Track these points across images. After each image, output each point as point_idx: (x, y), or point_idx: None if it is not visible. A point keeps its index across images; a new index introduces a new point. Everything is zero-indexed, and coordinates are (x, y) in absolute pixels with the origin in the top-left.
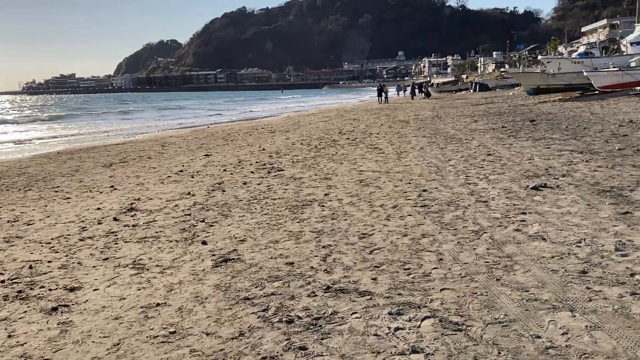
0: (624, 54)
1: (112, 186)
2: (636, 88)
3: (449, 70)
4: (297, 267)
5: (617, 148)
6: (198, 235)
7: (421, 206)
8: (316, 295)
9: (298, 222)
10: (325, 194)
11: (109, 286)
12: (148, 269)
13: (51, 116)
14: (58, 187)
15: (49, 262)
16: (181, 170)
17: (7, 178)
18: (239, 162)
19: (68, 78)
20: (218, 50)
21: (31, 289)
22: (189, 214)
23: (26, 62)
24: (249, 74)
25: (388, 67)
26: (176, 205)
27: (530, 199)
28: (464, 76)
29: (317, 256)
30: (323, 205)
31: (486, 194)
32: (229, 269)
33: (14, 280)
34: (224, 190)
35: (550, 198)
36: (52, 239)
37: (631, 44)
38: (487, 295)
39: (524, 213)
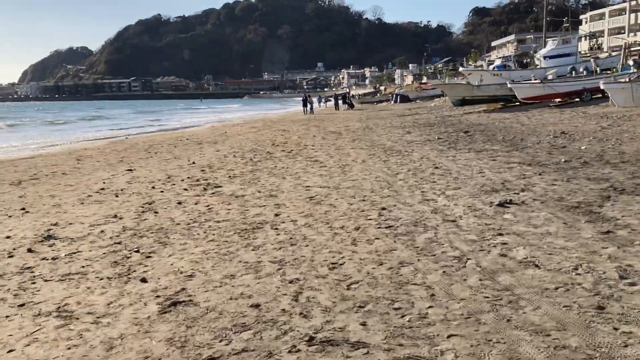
0: (538, 67)
1: (24, 208)
2: (555, 100)
3: (367, 81)
4: (266, 310)
5: (563, 160)
6: (134, 270)
7: (386, 227)
8: (299, 350)
9: (253, 250)
10: (276, 214)
11: (28, 344)
12: (78, 318)
13: None
14: None
15: None
16: (102, 188)
17: None
18: (168, 177)
19: None
20: (132, 57)
21: None
22: (119, 242)
23: None
24: (165, 82)
25: (308, 78)
26: (102, 232)
27: (500, 217)
28: (382, 88)
29: (285, 294)
30: (277, 228)
31: (450, 212)
32: (181, 316)
33: None
34: (156, 212)
35: (522, 216)
36: None
37: (544, 57)
38: (505, 343)
39: (500, 234)
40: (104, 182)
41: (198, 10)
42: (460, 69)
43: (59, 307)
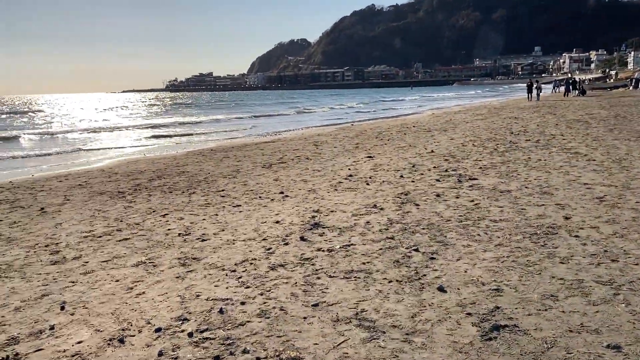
0: None
1: (282, 192)
2: None
3: (592, 66)
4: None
5: None
6: (424, 274)
7: None
8: None
9: (562, 263)
10: (565, 217)
11: None
12: (384, 332)
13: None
14: (223, 190)
15: (242, 303)
16: (350, 175)
17: (167, 177)
18: (413, 166)
19: (206, 76)
20: (346, 48)
21: (231, 353)
22: (391, 237)
23: (170, 62)
24: (375, 71)
25: (524, 63)
26: (368, 223)
27: None
28: (613, 72)
29: None
30: (577, 236)
31: None
32: (514, 348)
33: (204, 334)
34: (417, 205)
35: None
36: (235, 264)
37: None
38: None
39: None
40: (349, 169)
41: None
42: None
43: (357, 314)
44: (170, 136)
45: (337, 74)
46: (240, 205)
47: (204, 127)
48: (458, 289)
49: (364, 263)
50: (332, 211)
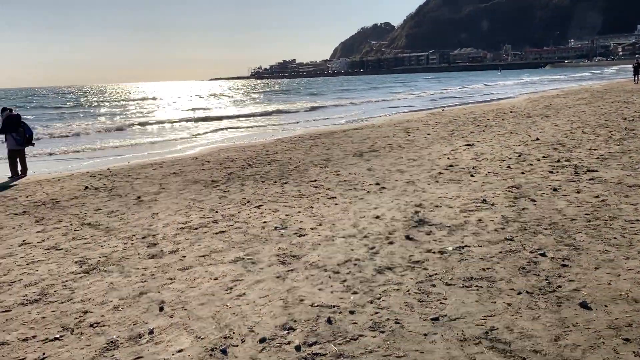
0: None
1: (378, 183)
2: None
3: None
4: None
5: None
6: (558, 286)
7: None
8: None
9: None
10: None
11: None
12: (524, 358)
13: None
14: (315, 180)
15: (351, 312)
16: (451, 165)
17: (258, 166)
18: (519, 155)
19: (289, 63)
20: (431, 31)
21: None
22: (511, 239)
23: (254, 49)
24: (462, 54)
25: (625, 43)
26: (480, 220)
27: None
28: None
29: None
30: None
31: None
32: None
33: (313, 348)
34: (533, 200)
35: None
36: (338, 264)
37: None
38: None
39: None
40: (448, 158)
41: None
42: None
43: (487, 332)
44: (260, 125)
45: (422, 58)
46: (335, 197)
47: (297, 116)
48: (605, 305)
49: (483, 269)
50: (436, 206)
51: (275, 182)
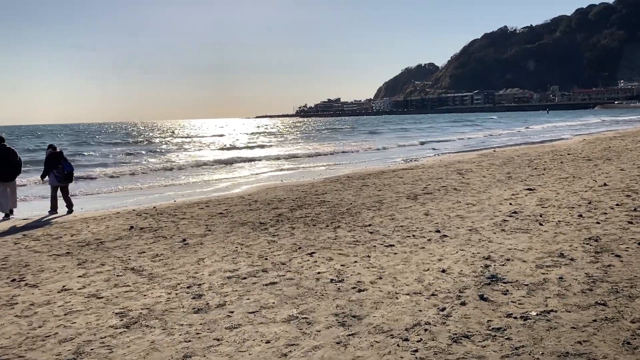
0: None
1: (438, 230)
2: None
3: None
4: None
5: None
6: None
7: None
8: None
9: None
10: None
11: None
12: None
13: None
14: (369, 225)
15: None
16: (514, 212)
17: (308, 207)
18: (589, 202)
19: (334, 102)
20: (475, 71)
21: None
22: (603, 304)
23: (299, 88)
24: (507, 94)
25: None
26: (561, 279)
27: None
28: None
29: None
30: None
31: None
32: None
33: None
34: (618, 256)
35: None
36: (406, 328)
37: None
38: None
39: None
40: (510, 204)
41: (547, 18)
42: None
43: None
44: (304, 163)
45: (466, 98)
46: (393, 245)
47: (348, 156)
48: None
49: (579, 342)
50: (507, 259)
51: (327, 225)
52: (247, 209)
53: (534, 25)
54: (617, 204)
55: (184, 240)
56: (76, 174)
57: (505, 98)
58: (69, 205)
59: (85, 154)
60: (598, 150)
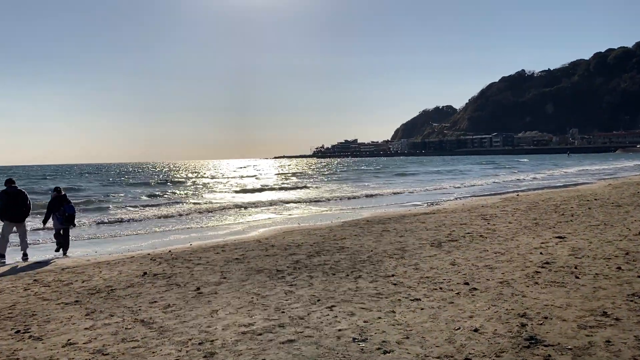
0: None
1: (467, 283)
2: None
3: None
4: None
5: None
6: None
7: None
8: None
9: None
10: None
11: None
12: None
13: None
14: (393, 275)
15: None
16: (547, 263)
17: (327, 253)
18: (626, 253)
19: (351, 143)
20: (494, 114)
21: None
22: None
23: (317, 129)
24: (526, 137)
25: None
26: (609, 342)
27: None
28: None
29: None
30: None
31: None
32: None
33: None
34: None
35: None
36: None
37: None
38: None
39: None
40: (540, 253)
41: (565, 62)
42: None
43: None
44: (324, 203)
45: (485, 140)
46: (419, 300)
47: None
48: None
49: None
50: (545, 317)
51: (347, 275)
52: (263, 254)
53: (552, 69)
54: None
55: (198, 288)
56: (101, 217)
57: (524, 141)
58: (66, 247)
59: (113, 195)
60: (627, 196)
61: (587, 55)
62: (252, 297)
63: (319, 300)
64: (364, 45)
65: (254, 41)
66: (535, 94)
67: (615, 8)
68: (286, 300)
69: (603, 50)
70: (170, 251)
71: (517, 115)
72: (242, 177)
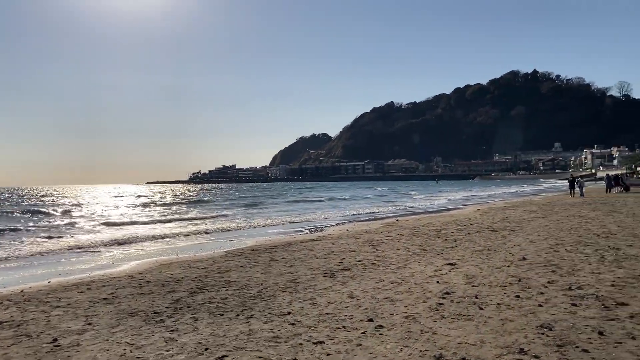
0: None
1: (371, 319)
2: None
3: (615, 162)
4: None
5: None
6: None
7: None
8: None
9: None
10: None
11: None
12: None
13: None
14: (288, 313)
15: None
16: (447, 293)
17: (211, 289)
18: (518, 280)
19: (229, 168)
20: (366, 142)
21: None
22: None
23: (193, 154)
24: (395, 164)
25: (544, 159)
26: None
27: None
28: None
29: None
30: None
31: None
32: None
33: None
34: (585, 350)
35: None
36: None
37: None
38: None
39: None
40: (437, 282)
41: (429, 96)
42: None
43: None
44: (204, 231)
45: (358, 167)
46: (323, 342)
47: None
48: None
49: None
50: (463, 358)
51: (238, 315)
52: (137, 293)
53: (417, 102)
54: (549, 282)
55: (55, 340)
56: None
57: (394, 168)
58: None
59: None
60: (498, 221)
61: (448, 90)
62: (125, 349)
63: (207, 349)
64: (241, 68)
65: (109, 57)
66: (403, 124)
67: (477, 46)
68: (167, 350)
69: (462, 86)
70: (22, 291)
71: (387, 144)
72: (106, 206)
